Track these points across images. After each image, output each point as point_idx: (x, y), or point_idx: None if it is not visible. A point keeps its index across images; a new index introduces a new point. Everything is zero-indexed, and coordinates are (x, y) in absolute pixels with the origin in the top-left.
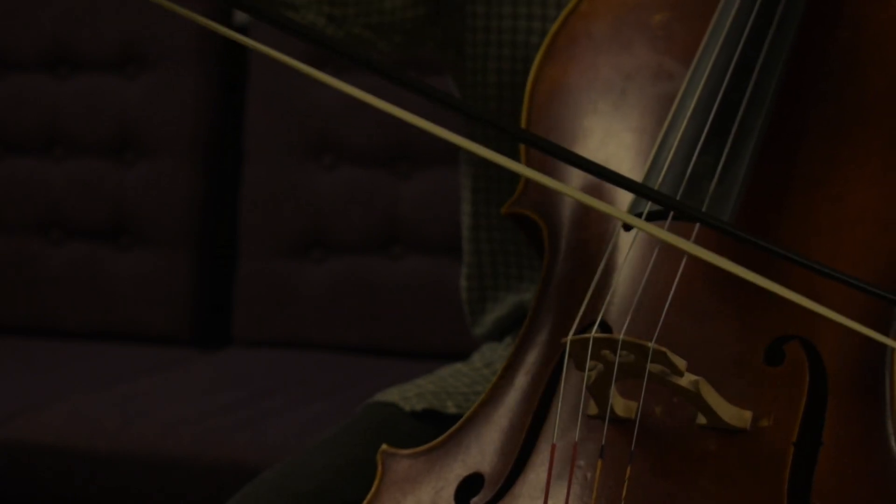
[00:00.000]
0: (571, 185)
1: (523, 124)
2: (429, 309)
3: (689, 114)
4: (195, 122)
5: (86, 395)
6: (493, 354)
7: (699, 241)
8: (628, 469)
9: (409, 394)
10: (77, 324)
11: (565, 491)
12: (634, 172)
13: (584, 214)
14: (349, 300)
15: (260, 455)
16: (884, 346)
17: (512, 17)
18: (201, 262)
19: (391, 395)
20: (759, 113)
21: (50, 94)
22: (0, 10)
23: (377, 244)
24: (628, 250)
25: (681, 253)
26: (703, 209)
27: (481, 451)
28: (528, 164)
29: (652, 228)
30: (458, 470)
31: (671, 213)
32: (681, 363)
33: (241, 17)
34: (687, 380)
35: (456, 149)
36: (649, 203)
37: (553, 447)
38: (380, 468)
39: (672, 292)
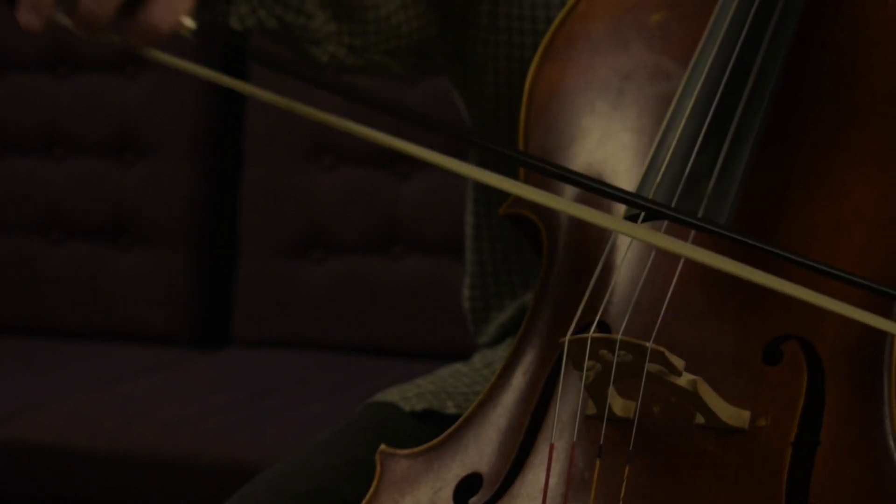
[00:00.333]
0: (567, 193)
1: (521, 125)
2: (429, 309)
3: (687, 113)
4: (195, 121)
5: (86, 395)
6: (494, 355)
7: (697, 243)
8: (626, 469)
9: (409, 394)
10: (77, 324)
11: (563, 491)
12: (632, 172)
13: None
14: (349, 300)
15: (260, 455)
16: (882, 346)
17: (507, 31)
18: (201, 262)
19: (391, 395)
20: (756, 113)
21: (50, 94)
22: (0, 10)
23: (377, 244)
24: (626, 250)
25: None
26: (702, 209)
27: (480, 451)
28: (526, 174)
29: (648, 236)
30: (456, 470)
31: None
32: (679, 363)
33: None
34: (685, 379)
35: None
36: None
37: (551, 447)
38: (378, 468)
39: (670, 292)
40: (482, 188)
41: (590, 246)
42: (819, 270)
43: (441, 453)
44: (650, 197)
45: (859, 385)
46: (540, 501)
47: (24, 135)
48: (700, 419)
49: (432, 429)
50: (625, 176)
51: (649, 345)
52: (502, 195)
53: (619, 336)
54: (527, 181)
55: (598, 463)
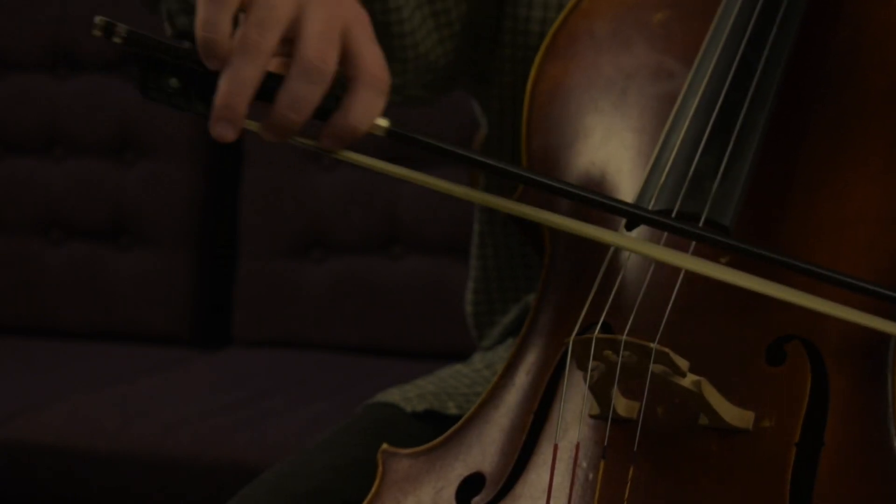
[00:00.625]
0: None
1: (524, 123)
2: (429, 309)
3: (691, 114)
4: (195, 121)
5: (86, 395)
6: (494, 356)
7: (699, 250)
8: (631, 469)
9: (410, 394)
10: (77, 324)
11: (567, 491)
12: (635, 172)
13: (585, 214)
14: (349, 300)
15: (260, 455)
16: (885, 346)
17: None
18: (201, 262)
19: (392, 395)
20: (760, 112)
21: (50, 94)
22: (0, 10)
23: (377, 244)
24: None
25: (684, 252)
26: (706, 209)
27: (482, 451)
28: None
29: (648, 249)
30: (459, 469)
31: (674, 214)
32: (683, 364)
33: None
34: (689, 380)
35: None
36: (652, 203)
37: (555, 447)
38: (380, 467)
39: (674, 293)
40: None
41: (593, 246)
42: (822, 276)
43: (443, 453)
44: (654, 196)
45: (863, 385)
46: (543, 502)
47: (24, 135)
48: (704, 420)
49: (433, 429)
50: (627, 175)
51: (654, 346)
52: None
53: (623, 337)
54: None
55: (602, 464)
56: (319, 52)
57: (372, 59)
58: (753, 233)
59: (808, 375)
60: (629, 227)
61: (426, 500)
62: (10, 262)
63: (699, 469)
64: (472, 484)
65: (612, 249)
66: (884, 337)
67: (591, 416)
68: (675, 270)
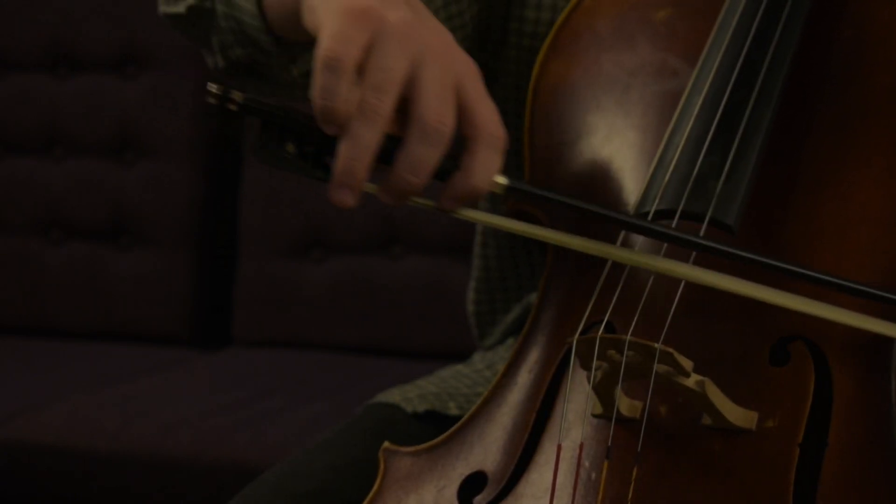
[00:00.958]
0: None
1: (526, 120)
2: (429, 309)
3: (695, 112)
4: (195, 121)
5: (86, 395)
6: (495, 356)
7: (700, 258)
8: (635, 470)
9: (411, 395)
10: (77, 324)
11: (570, 491)
12: (638, 170)
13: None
14: (349, 300)
15: (260, 455)
16: (889, 346)
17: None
18: (201, 262)
19: (392, 395)
20: (765, 112)
21: (50, 94)
22: (0, 10)
23: (377, 244)
24: (634, 248)
25: (688, 252)
26: (710, 209)
27: (484, 450)
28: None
29: (649, 260)
30: (460, 468)
31: (678, 214)
32: (687, 364)
33: None
34: (693, 380)
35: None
36: (656, 203)
37: (559, 447)
38: (382, 466)
39: (678, 293)
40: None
41: None
42: (822, 281)
43: (445, 451)
44: (658, 196)
45: (867, 385)
46: (546, 501)
47: (24, 135)
48: (707, 420)
49: (434, 430)
50: (630, 174)
51: (658, 346)
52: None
53: (627, 337)
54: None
55: (605, 464)
56: (438, 114)
57: (488, 115)
58: (757, 232)
59: (812, 375)
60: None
61: (428, 498)
62: (10, 262)
63: (703, 469)
64: (474, 483)
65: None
66: (888, 337)
67: (595, 416)
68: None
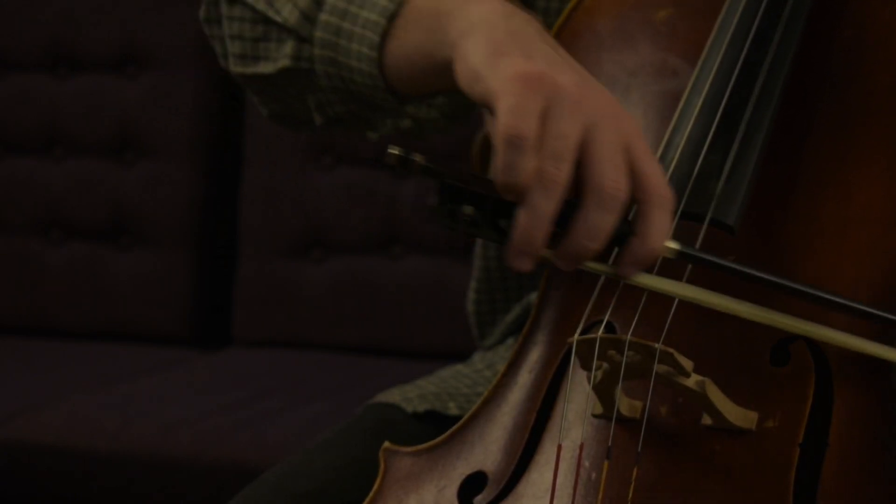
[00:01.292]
0: None
1: None
2: (429, 309)
3: (695, 113)
4: (195, 122)
5: (86, 395)
6: (495, 356)
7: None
8: (635, 470)
9: (411, 395)
10: (77, 324)
11: (571, 491)
12: None
13: None
14: (349, 300)
15: (260, 455)
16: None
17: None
18: (201, 262)
19: (392, 395)
20: (766, 112)
21: (50, 94)
22: (0, 10)
23: (377, 244)
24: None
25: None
26: (710, 209)
27: (485, 450)
28: None
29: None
30: (461, 468)
31: (678, 215)
32: (687, 364)
33: None
34: (693, 380)
35: (456, 149)
36: None
37: (559, 447)
38: (382, 466)
39: None
40: None
41: None
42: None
43: (446, 451)
44: None
45: (867, 386)
46: (546, 501)
47: (24, 135)
48: (707, 420)
49: (434, 430)
50: None
51: (658, 346)
52: None
53: (627, 337)
54: None
55: (605, 464)
56: (614, 180)
57: (657, 177)
58: (757, 233)
59: (813, 376)
60: None
61: (428, 498)
62: (10, 262)
63: (703, 469)
64: (474, 482)
65: None
66: (889, 339)
67: (595, 416)
68: (680, 270)
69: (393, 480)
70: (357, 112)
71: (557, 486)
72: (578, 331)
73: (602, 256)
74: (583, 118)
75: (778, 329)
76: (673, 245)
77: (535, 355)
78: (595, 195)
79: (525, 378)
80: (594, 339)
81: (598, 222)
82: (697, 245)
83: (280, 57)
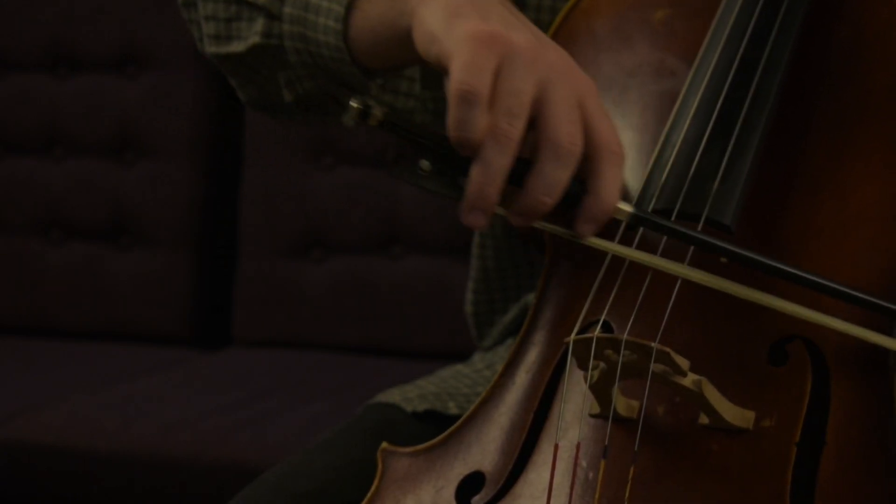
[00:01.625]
0: None
1: None
2: (429, 309)
3: (692, 112)
4: (195, 122)
5: (86, 395)
6: (495, 356)
7: (697, 256)
8: (632, 469)
9: (411, 395)
10: (77, 324)
11: (568, 491)
12: (636, 170)
13: None
14: (349, 300)
15: (260, 455)
16: (887, 348)
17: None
18: (201, 262)
19: (392, 395)
20: (762, 112)
21: (50, 94)
22: (0, 10)
23: (377, 244)
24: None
25: (685, 252)
26: (706, 209)
27: (482, 450)
28: None
29: (645, 257)
30: (458, 468)
31: (674, 214)
32: (684, 363)
33: None
34: (690, 380)
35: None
36: (653, 203)
37: (556, 447)
38: (380, 466)
39: (675, 292)
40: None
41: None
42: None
43: (443, 451)
44: (655, 196)
45: (864, 385)
46: (543, 501)
47: (24, 135)
48: (704, 419)
49: (434, 430)
50: (628, 174)
51: (654, 345)
52: None
53: (624, 336)
54: None
55: (602, 463)
56: (568, 134)
57: (610, 133)
58: (754, 233)
59: (810, 375)
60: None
61: (426, 498)
62: (10, 262)
63: (700, 469)
64: (471, 483)
65: None
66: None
67: (592, 416)
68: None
69: (391, 481)
70: (325, 88)
71: (554, 486)
72: (575, 331)
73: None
74: (537, 75)
75: (776, 324)
76: (626, 207)
77: (532, 355)
78: (549, 150)
79: (522, 378)
80: (591, 339)
81: (553, 177)
82: (691, 248)
83: (251, 35)
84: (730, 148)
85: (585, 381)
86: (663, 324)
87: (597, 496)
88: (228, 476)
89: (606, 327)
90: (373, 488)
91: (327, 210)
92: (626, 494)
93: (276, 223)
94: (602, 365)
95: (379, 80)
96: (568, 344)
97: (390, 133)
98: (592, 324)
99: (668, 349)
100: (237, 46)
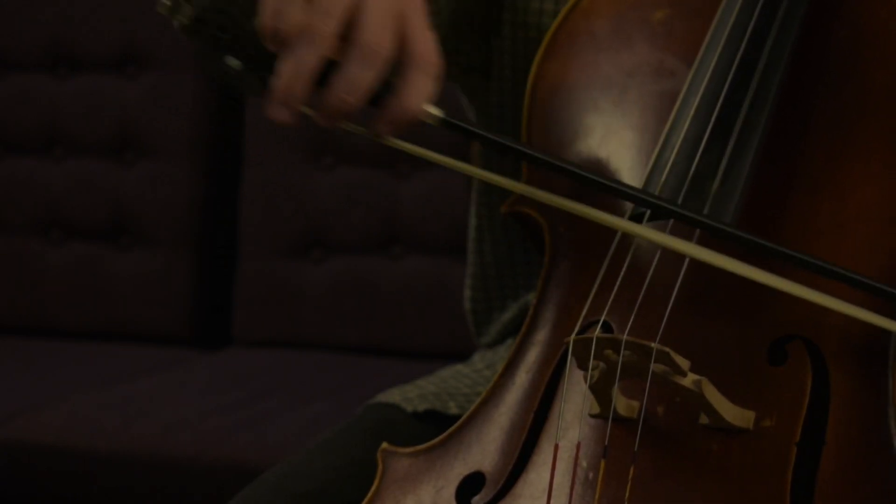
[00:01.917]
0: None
1: (524, 121)
2: (429, 309)
3: (691, 113)
4: (195, 122)
5: (86, 395)
6: (495, 356)
7: (701, 243)
8: (632, 469)
9: (411, 395)
10: (77, 324)
11: (568, 491)
12: (635, 171)
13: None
14: (349, 300)
15: (260, 455)
16: (886, 346)
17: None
18: (201, 262)
19: (392, 395)
20: (762, 112)
21: (50, 94)
22: (0, 10)
23: (377, 244)
24: (631, 249)
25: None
26: (706, 209)
27: (482, 450)
28: (529, 173)
29: (653, 234)
30: (458, 469)
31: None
32: (684, 363)
33: None
34: (690, 380)
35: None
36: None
37: (556, 447)
38: (380, 466)
39: (675, 292)
40: (485, 190)
41: (593, 244)
42: (823, 269)
43: (443, 452)
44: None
45: (864, 385)
46: (543, 501)
47: (24, 135)
48: (704, 419)
49: (434, 430)
50: (628, 175)
51: (654, 345)
52: (504, 196)
53: (624, 336)
54: (529, 179)
55: (602, 463)
56: (377, 37)
57: (425, 44)
58: (754, 233)
59: (810, 375)
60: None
61: (426, 499)
62: (10, 262)
63: (699, 468)
64: (471, 483)
65: (612, 248)
66: (885, 335)
67: (592, 416)
68: (676, 270)
69: (391, 481)
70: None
71: (555, 486)
72: (575, 331)
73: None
74: None
75: (776, 324)
76: (436, 112)
77: (532, 356)
78: (356, 50)
79: (522, 378)
80: (590, 339)
81: (358, 76)
82: (696, 236)
83: None
84: (729, 148)
85: (585, 381)
86: (663, 324)
87: (597, 496)
88: (228, 476)
89: (606, 327)
90: (373, 488)
91: (327, 210)
92: (626, 494)
93: (276, 223)
94: (602, 365)
95: None
96: (568, 344)
97: (202, 27)
98: (592, 324)
99: (667, 349)
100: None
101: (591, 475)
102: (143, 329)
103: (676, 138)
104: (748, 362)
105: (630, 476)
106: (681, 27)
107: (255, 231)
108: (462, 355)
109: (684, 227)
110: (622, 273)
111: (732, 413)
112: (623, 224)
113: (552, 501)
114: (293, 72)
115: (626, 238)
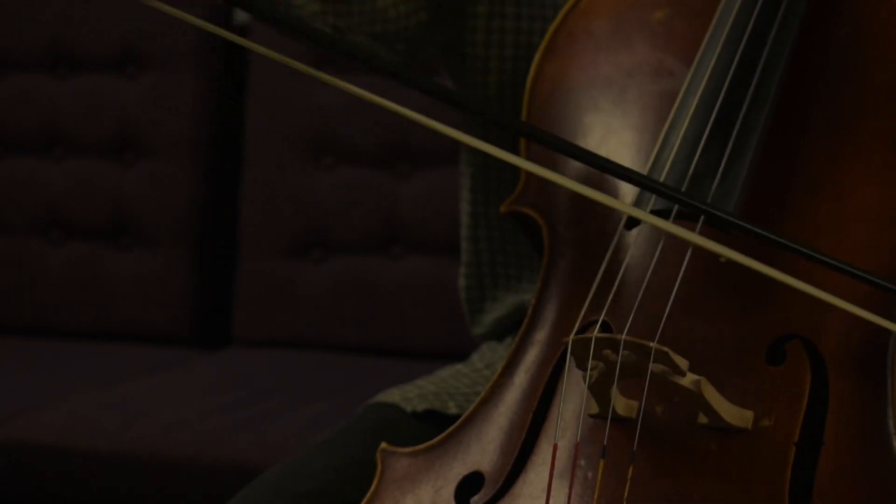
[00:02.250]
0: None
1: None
2: (429, 309)
3: (691, 112)
4: (195, 122)
5: (86, 395)
6: (494, 355)
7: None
8: (630, 469)
9: (411, 394)
10: (77, 324)
11: (567, 490)
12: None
13: (585, 212)
14: (349, 300)
15: (260, 455)
16: (885, 345)
17: (515, 17)
18: (201, 262)
19: (392, 395)
20: (761, 111)
21: (50, 94)
22: (0, 10)
23: (377, 244)
24: (630, 249)
25: (683, 252)
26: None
27: (481, 450)
28: (528, 159)
29: (656, 219)
30: (457, 468)
31: (674, 210)
32: (683, 363)
33: (241, 17)
34: (689, 380)
35: (456, 148)
36: (652, 203)
37: (555, 447)
38: (379, 466)
39: (674, 292)
40: (480, 177)
41: (592, 245)
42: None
43: (442, 452)
44: (653, 200)
45: (862, 384)
46: (542, 501)
47: (24, 135)
48: (703, 419)
49: (434, 429)
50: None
51: (653, 345)
52: (500, 182)
53: (623, 336)
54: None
55: (601, 463)
56: None
57: None
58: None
59: (808, 375)
60: (629, 227)
61: (425, 499)
62: (10, 262)
63: (698, 468)
64: (470, 483)
65: (612, 248)
66: (884, 335)
67: (591, 416)
68: (675, 269)
69: (390, 481)
70: None
71: (553, 486)
72: (574, 330)
73: None
74: None
75: (775, 324)
76: None
77: (531, 355)
78: None
79: (521, 378)
80: (589, 339)
81: None
82: (698, 228)
83: None
84: (729, 148)
85: (584, 381)
86: (662, 324)
87: (596, 496)
88: (228, 476)
89: (605, 327)
90: (372, 488)
91: (327, 210)
92: (625, 494)
93: (276, 223)
94: (601, 365)
95: None
96: (567, 344)
97: None
98: (591, 324)
99: (666, 349)
100: None
101: (589, 475)
102: (143, 329)
103: (675, 138)
104: (747, 362)
105: (629, 476)
106: (680, 27)
107: (254, 231)
108: (462, 355)
109: (685, 226)
110: (621, 273)
111: (731, 413)
112: (626, 208)
113: (551, 501)
114: None
115: (625, 238)
